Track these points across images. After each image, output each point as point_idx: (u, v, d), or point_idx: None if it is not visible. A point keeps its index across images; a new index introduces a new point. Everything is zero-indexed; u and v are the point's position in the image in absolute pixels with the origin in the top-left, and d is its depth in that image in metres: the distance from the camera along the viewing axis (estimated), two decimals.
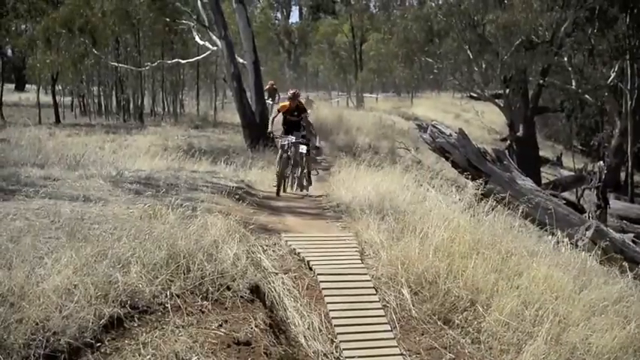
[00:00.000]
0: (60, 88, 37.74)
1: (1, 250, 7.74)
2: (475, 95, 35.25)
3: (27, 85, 41.94)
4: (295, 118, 15.89)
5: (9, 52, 40.53)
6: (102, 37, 33.57)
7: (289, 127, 15.90)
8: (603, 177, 28.83)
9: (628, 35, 33.11)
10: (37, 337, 6.63)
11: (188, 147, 22.01)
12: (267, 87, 28.32)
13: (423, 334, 9.25)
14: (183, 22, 30.98)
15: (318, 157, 16.80)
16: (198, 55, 31.25)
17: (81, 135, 24.69)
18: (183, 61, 32.54)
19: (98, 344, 6.97)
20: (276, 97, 27.22)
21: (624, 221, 29.40)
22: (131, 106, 37.17)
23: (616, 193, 33.62)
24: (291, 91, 16.49)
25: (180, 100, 40.13)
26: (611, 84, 34.01)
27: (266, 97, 27.17)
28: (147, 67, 33.57)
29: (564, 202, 20.11)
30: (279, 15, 63.59)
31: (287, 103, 16.07)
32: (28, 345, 6.54)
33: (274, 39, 58.10)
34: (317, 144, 18.26)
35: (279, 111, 16.46)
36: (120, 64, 34.31)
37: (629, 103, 33.92)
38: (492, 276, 10.21)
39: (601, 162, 31.35)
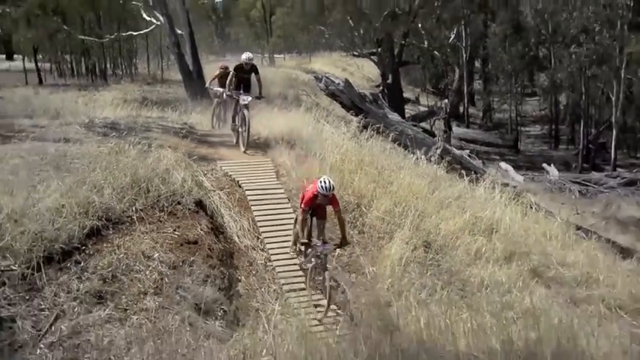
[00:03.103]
0: (41, 56, 35.91)
1: (4, 181, 7.59)
2: (356, 54, 35.15)
3: (15, 55, 39.72)
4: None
5: None
6: (70, 16, 32.63)
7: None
8: (448, 110, 29.72)
9: (462, 7, 33.94)
10: (36, 245, 6.60)
11: (142, 99, 21.30)
12: (218, 73, 14.82)
13: None
14: (133, 2, 29.96)
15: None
16: (146, 28, 29.96)
17: (59, 92, 23.53)
18: (135, 33, 31.05)
19: (83, 248, 6.98)
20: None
21: (462, 141, 30.64)
22: (97, 69, 35.65)
23: (457, 122, 34.80)
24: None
25: (134, 63, 38.59)
26: (452, 43, 34.80)
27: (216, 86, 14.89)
28: (107, 39, 32.11)
29: (421, 129, 20.64)
30: None
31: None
32: (30, 250, 6.52)
33: (204, 14, 56.20)
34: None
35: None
36: (86, 37, 32.76)
37: (464, 56, 35.20)
38: (372, 185, 10.48)
39: (446, 100, 32.19)
